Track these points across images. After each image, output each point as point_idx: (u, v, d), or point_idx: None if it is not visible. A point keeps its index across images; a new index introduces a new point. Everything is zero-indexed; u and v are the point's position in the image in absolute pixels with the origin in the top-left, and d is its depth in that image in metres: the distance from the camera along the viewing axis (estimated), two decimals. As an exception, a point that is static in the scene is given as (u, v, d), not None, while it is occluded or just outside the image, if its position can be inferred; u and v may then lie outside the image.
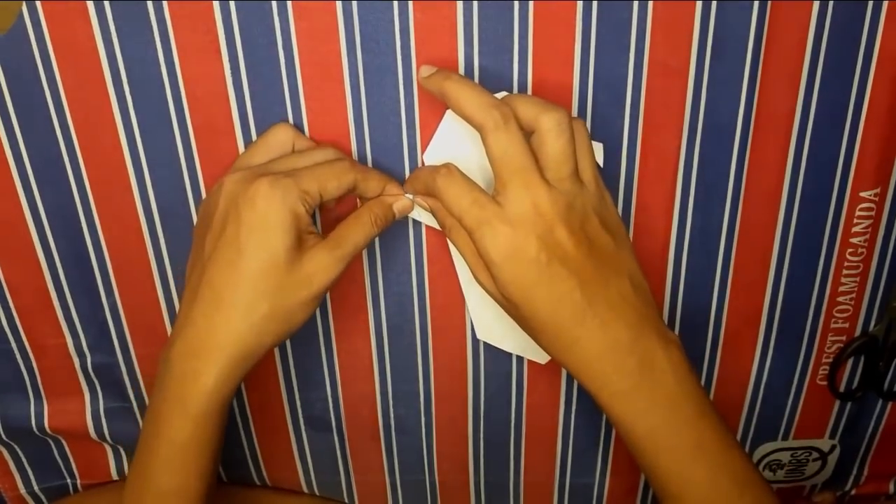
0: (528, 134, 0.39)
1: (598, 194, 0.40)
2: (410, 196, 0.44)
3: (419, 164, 0.44)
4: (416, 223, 0.46)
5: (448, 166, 0.41)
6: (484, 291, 0.42)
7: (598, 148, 0.43)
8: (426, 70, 0.40)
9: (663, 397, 0.40)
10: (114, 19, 0.40)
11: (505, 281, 0.39)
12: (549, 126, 0.38)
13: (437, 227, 0.46)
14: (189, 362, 0.40)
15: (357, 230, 0.42)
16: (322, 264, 0.40)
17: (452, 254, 0.46)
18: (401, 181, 0.44)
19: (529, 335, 0.42)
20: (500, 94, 0.42)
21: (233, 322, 0.40)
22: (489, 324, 0.49)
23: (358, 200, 0.45)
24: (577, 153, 0.39)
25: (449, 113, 0.42)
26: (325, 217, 0.46)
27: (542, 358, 0.50)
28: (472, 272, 0.42)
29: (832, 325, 0.51)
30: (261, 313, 0.40)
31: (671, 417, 0.40)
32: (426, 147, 0.43)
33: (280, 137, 0.42)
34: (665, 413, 0.40)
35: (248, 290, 0.39)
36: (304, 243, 0.40)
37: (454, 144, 0.43)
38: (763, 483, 0.41)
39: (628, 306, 0.40)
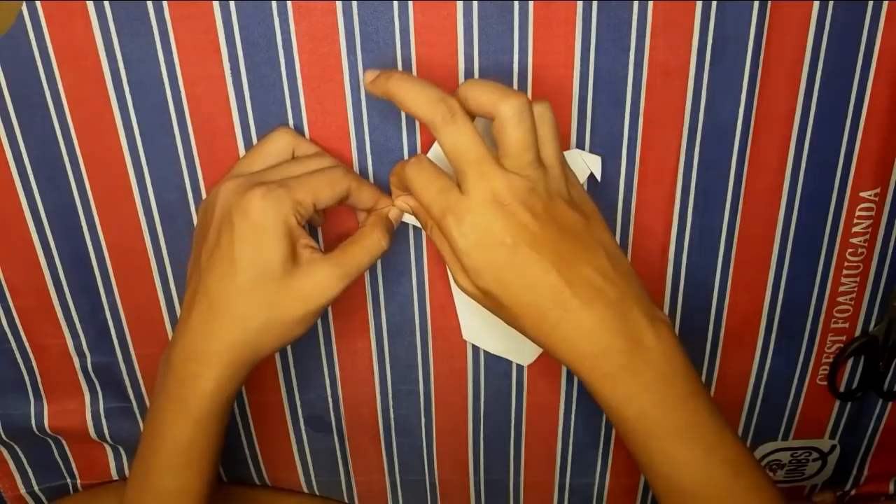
0: (489, 119, 0.38)
1: (561, 176, 0.39)
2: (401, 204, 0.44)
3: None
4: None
5: (418, 156, 0.41)
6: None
7: (597, 161, 0.43)
8: (370, 75, 0.39)
9: (654, 377, 0.39)
10: (114, 19, 0.40)
11: (476, 269, 0.38)
12: (509, 115, 0.37)
13: None
14: (189, 366, 0.41)
15: (364, 249, 0.41)
16: (322, 281, 0.40)
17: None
18: (401, 181, 0.45)
19: (515, 326, 0.40)
20: None
21: (228, 331, 0.40)
22: (475, 324, 0.49)
23: (357, 214, 0.45)
24: (539, 139, 0.38)
25: None
26: (327, 228, 0.46)
27: (524, 360, 0.50)
28: (451, 275, 0.41)
29: (832, 325, 0.51)
30: (256, 325, 0.40)
31: (663, 398, 0.39)
32: (427, 148, 0.43)
33: (279, 144, 0.42)
34: (656, 394, 0.39)
35: (242, 302, 0.39)
36: (299, 256, 0.40)
37: None
38: (758, 466, 0.41)
39: (608, 283, 0.38)
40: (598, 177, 0.44)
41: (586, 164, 0.43)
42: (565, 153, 0.43)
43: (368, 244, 0.41)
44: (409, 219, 0.44)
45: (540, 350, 0.49)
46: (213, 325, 0.40)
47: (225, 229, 0.39)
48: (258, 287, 0.39)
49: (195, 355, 0.40)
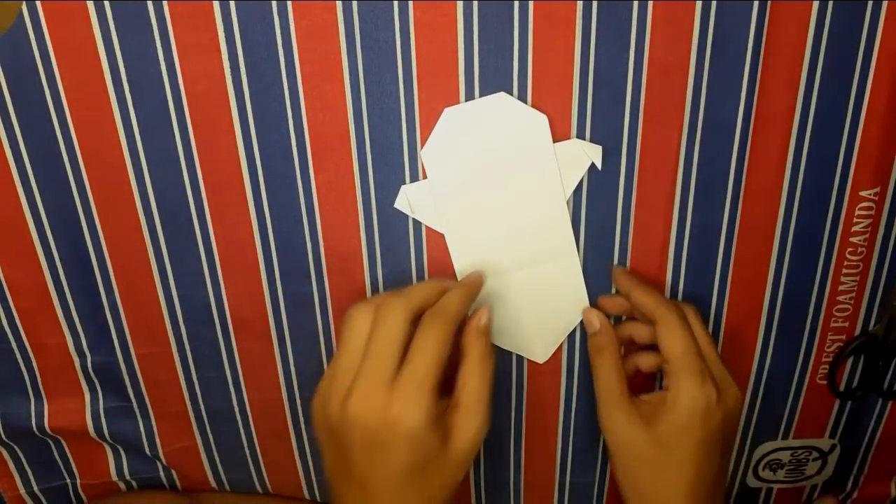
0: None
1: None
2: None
3: (418, 162, 0.44)
4: (417, 222, 0.46)
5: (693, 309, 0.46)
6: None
7: (597, 150, 0.44)
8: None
9: None
10: (113, 18, 0.40)
11: (680, 426, 0.43)
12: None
13: (437, 228, 0.46)
14: None
15: (482, 380, 0.42)
16: (470, 440, 0.41)
17: (451, 253, 0.47)
18: (400, 180, 0.45)
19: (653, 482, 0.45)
20: (499, 95, 0.42)
21: None
22: None
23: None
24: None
25: (448, 110, 0.42)
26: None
27: (537, 356, 0.50)
28: (607, 398, 0.45)
29: (832, 324, 0.51)
30: None
31: None
32: (424, 143, 0.44)
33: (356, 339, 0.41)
34: None
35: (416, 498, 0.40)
36: (442, 424, 0.40)
37: (453, 141, 0.43)
38: None
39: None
40: (599, 166, 0.44)
41: (587, 153, 0.44)
42: (565, 143, 0.43)
43: (482, 370, 0.42)
44: (406, 209, 0.45)
45: (554, 347, 0.50)
46: None
47: (378, 448, 0.39)
48: (426, 479, 0.40)
49: None
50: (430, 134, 0.43)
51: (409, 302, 0.41)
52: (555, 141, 0.43)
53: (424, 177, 0.45)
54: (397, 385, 0.39)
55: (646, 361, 0.48)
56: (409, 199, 0.45)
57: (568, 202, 0.45)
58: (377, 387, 0.39)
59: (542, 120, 0.43)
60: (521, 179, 0.45)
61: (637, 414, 0.45)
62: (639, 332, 0.47)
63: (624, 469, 0.46)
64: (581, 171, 0.44)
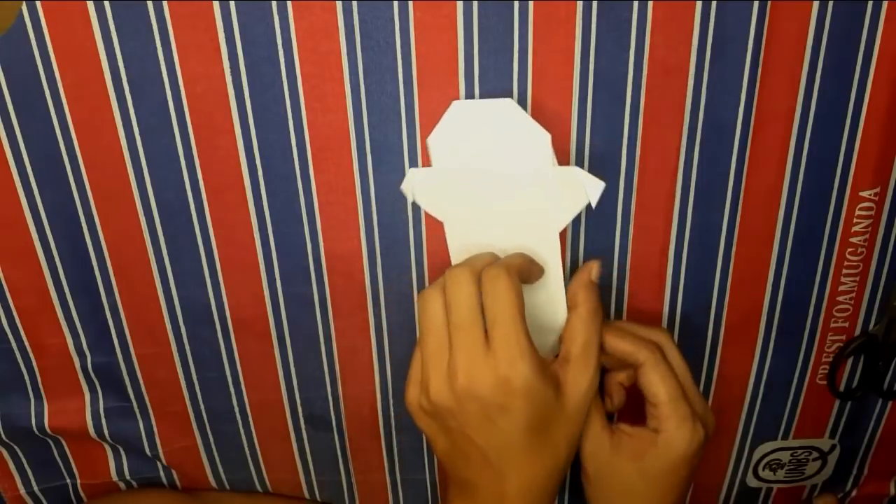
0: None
1: None
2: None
3: (418, 162, 0.44)
4: (416, 222, 0.46)
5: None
6: None
7: (598, 186, 0.42)
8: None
9: None
10: (113, 18, 0.40)
11: (670, 466, 0.44)
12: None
13: (436, 216, 0.46)
14: None
15: (590, 328, 0.42)
16: (584, 388, 0.41)
17: (450, 250, 0.46)
18: (400, 180, 0.44)
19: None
20: (506, 100, 0.41)
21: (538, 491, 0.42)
22: None
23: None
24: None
25: (456, 103, 0.42)
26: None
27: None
28: (588, 429, 0.44)
29: (832, 325, 0.51)
30: (561, 463, 0.43)
31: None
32: (426, 148, 0.43)
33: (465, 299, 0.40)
34: None
35: (543, 455, 0.41)
36: (553, 377, 0.41)
37: (457, 135, 0.42)
38: None
39: None
40: (594, 204, 0.43)
41: (586, 188, 0.42)
42: (566, 169, 0.42)
43: (591, 323, 0.42)
44: (409, 193, 0.44)
45: (555, 350, 0.49)
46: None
47: (497, 414, 0.39)
48: (548, 436, 0.40)
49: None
50: (432, 129, 0.42)
51: (472, 267, 0.41)
52: (554, 140, 0.43)
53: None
54: (493, 347, 0.39)
55: (623, 377, 0.48)
56: (412, 184, 0.44)
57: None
58: (476, 356, 0.39)
59: (543, 137, 0.41)
60: (516, 192, 0.43)
61: (620, 446, 0.45)
62: (606, 360, 0.47)
63: (605, 498, 0.46)
64: (580, 204, 0.43)
